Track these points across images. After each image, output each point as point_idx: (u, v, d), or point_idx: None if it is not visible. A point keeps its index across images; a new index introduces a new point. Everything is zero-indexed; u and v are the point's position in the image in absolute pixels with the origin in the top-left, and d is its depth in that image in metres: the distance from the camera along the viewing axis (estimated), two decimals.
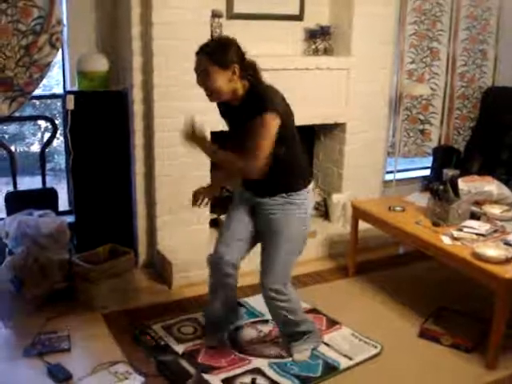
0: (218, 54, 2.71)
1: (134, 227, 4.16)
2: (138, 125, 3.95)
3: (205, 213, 4.19)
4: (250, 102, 2.75)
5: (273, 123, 2.65)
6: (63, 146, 4.45)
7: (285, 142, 2.76)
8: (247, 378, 2.94)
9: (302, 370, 3.02)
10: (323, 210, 4.80)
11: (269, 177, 2.74)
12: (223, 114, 2.99)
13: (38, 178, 4.41)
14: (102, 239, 3.87)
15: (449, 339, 3.29)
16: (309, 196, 2.95)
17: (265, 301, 3.03)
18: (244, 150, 2.70)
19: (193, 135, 2.76)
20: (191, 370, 2.99)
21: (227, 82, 2.72)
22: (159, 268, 4.10)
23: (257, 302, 3.46)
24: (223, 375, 2.96)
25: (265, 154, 2.67)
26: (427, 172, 5.52)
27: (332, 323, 3.51)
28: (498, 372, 3.07)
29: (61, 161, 5.27)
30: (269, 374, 2.98)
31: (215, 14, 3.99)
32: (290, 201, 2.86)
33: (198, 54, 2.76)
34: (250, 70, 2.79)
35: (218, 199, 4.48)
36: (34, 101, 4.90)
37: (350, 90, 4.53)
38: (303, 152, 2.99)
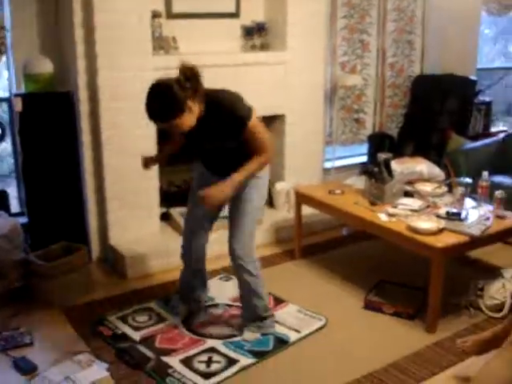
0: (169, 109, 2.69)
1: (87, 224, 4.23)
2: (85, 124, 4.03)
3: (155, 207, 4.32)
4: (211, 114, 2.83)
5: (256, 121, 2.89)
6: (10, 149, 4.49)
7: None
8: (204, 357, 3.09)
9: (254, 345, 3.19)
10: (268, 199, 4.94)
11: (237, 159, 2.93)
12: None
13: None
14: (56, 238, 3.93)
15: (391, 308, 3.51)
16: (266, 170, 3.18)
17: (235, 270, 3.23)
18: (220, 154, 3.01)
19: None
20: (149, 353, 3.11)
21: (190, 115, 2.76)
22: (113, 262, 4.19)
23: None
24: (181, 356, 3.09)
25: (270, 144, 2.97)
26: (364, 158, 5.71)
27: (278, 301, 3.67)
28: (438, 335, 3.29)
29: (6, 165, 5.29)
30: (224, 352, 3.13)
31: (155, 15, 4.12)
32: (255, 175, 3.07)
33: (151, 120, 2.77)
34: (193, 83, 2.75)
35: (168, 194, 4.62)
36: None
37: (288, 83, 4.70)
38: None
